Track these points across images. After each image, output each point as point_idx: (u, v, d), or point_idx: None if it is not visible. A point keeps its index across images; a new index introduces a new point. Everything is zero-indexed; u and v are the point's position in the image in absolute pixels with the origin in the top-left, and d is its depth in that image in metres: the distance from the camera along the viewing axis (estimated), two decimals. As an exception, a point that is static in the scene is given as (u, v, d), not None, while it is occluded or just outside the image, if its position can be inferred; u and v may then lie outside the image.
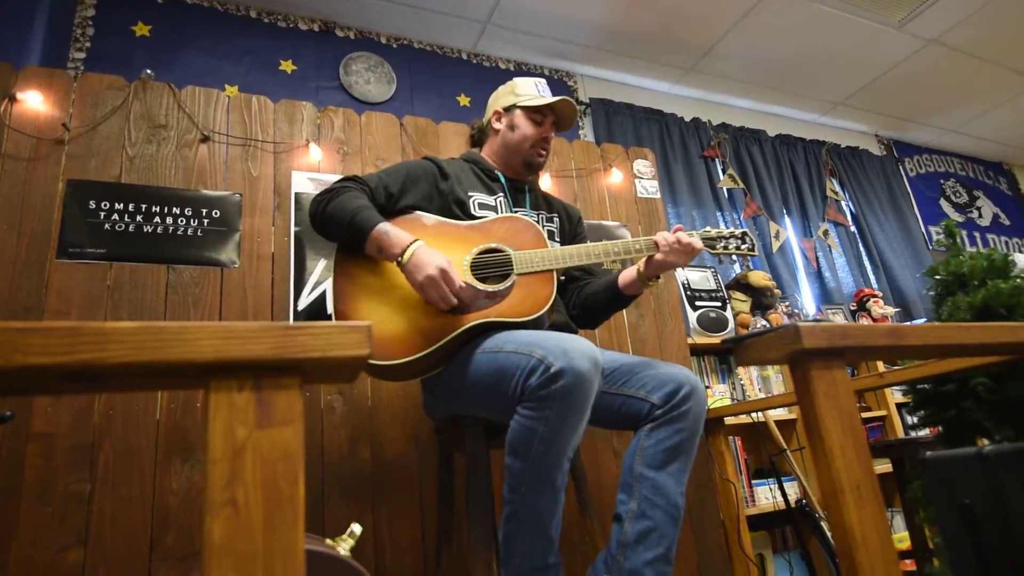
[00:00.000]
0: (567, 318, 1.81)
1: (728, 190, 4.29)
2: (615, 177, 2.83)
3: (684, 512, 1.47)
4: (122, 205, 1.99)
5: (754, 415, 2.95)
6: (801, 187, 4.64)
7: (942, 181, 5.57)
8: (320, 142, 2.33)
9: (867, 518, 0.73)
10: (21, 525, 1.62)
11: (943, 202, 5.46)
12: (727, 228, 1.85)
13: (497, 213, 1.77)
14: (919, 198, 5.31)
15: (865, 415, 3.43)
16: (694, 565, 2.28)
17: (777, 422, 3.05)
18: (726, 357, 3.32)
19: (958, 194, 5.59)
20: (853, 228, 4.80)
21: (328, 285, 2.13)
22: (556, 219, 1.94)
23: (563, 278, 1.93)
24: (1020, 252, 5.57)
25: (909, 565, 2.35)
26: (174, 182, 2.09)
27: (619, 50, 4.02)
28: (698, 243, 1.69)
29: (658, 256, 1.68)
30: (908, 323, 2.96)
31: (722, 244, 1.81)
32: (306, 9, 3.44)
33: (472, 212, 1.74)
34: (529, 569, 1.33)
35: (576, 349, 1.30)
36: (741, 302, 3.51)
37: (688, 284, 3.30)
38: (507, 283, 1.60)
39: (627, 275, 1.78)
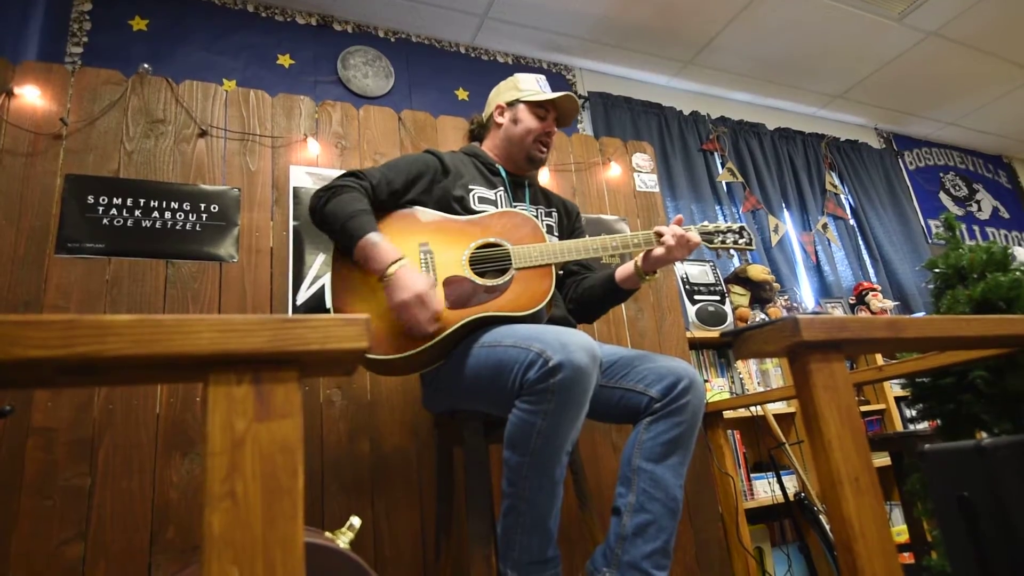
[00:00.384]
0: (565, 312, 1.81)
1: (727, 184, 4.29)
2: (614, 171, 2.83)
3: (683, 505, 1.48)
4: (120, 200, 1.99)
5: (753, 409, 2.95)
6: (800, 181, 4.63)
7: (941, 174, 5.57)
8: (318, 136, 2.33)
9: (865, 510, 0.73)
10: (21, 519, 1.62)
11: (942, 195, 5.46)
12: (725, 222, 1.84)
13: (497, 207, 1.77)
14: (918, 191, 5.31)
15: (864, 409, 3.43)
16: (692, 558, 2.29)
17: (776, 416, 3.06)
18: (725, 351, 3.33)
19: (957, 187, 5.59)
20: (852, 222, 4.80)
21: (327, 280, 2.13)
22: (555, 214, 1.94)
23: (561, 273, 1.94)
24: (1019, 245, 5.57)
25: (907, 558, 2.36)
26: (172, 177, 2.08)
27: (617, 43, 4.01)
28: (695, 237, 1.69)
29: (656, 250, 1.68)
30: (907, 316, 2.96)
31: (720, 238, 1.81)
32: (303, 3, 3.43)
33: (471, 206, 1.74)
34: (528, 562, 1.33)
35: (574, 343, 1.30)
36: (740, 296, 3.51)
37: (687, 278, 3.30)
38: (505, 277, 1.60)
39: (624, 270, 1.78)
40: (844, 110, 5.07)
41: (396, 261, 1.50)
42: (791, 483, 2.91)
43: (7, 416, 1.39)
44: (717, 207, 4.17)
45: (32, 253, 1.85)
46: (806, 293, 4.24)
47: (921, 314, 4.33)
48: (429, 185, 1.75)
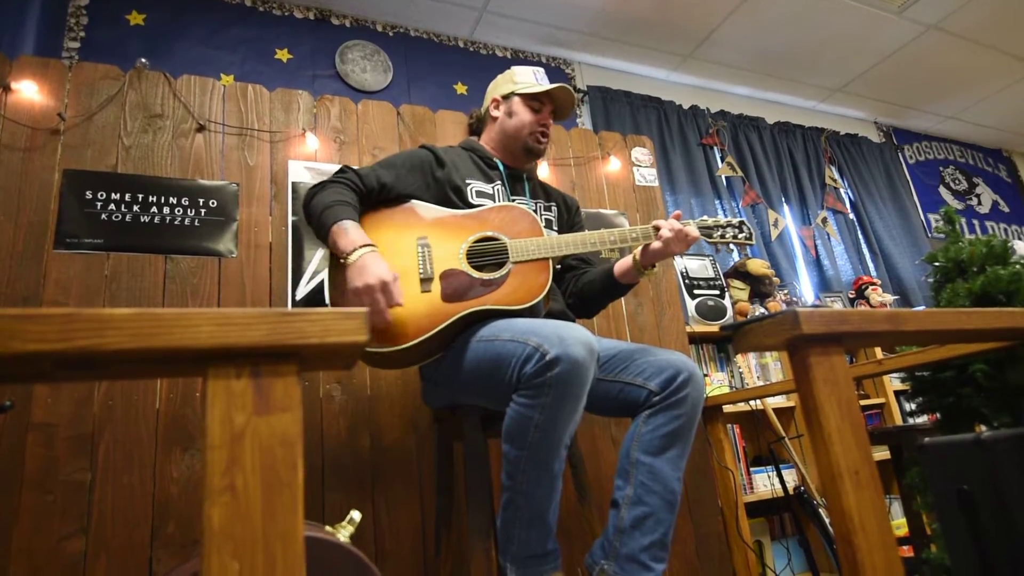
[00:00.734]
0: (563, 306, 1.81)
1: (727, 178, 4.28)
2: (613, 165, 2.82)
3: (681, 498, 1.48)
4: (119, 195, 1.98)
5: (752, 403, 2.95)
6: (800, 175, 4.62)
7: (941, 168, 5.56)
8: (316, 131, 2.32)
9: (865, 503, 0.73)
10: (22, 514, 1.62)
11: (942, 189, 5.45)
12: (725, 217, 1.84)
13: (495, 201, 1.77)
14: (918, 185, 5.30)
15: (863, 403, 3.44)
16: (692, 552, 2.30)
17: (775, 410, 3.06)
18: (724, 345, 3.33)
19: (957, 181, 5.58)
20: (852, 216, 4.79)
21: (325, 275, 2.12)
22: (554, 208, 1.93)
23: (559, 267, 1.94)
24: (1019, 239, 5.57)
25: (907, 551, 2.36)
26: (171, 172, 2.08)
27: (617, 37, 4.00)
28: (694, 231, 1.69)
29: (656, 244, 1.68)
30: (907, 309, 2.96)
31: (719, 233, 1.81)
32: (302, -3, 3.42)
33: (469, 200, 1.74)
34: (527, 556, 1.33)
35: (571, 336, 1.30)
36: (740, 290, 3.51)
37: (687, 272, 3.30)
38: (503, 271, 1.59)
39: (623, 264, 1.78)
40: (844, 104, 5.06)
41: (363, 247, 1.47)
42: (791, 477, 2.91)
43: (7, 411, 1.39)
44: (716, 201, 4.16)
45: (31, 248, 1.84)
46: (806, 287, 4.24)
47: (921, 308, 4.33)
48: (424, 179, 1.75)
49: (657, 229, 1.68)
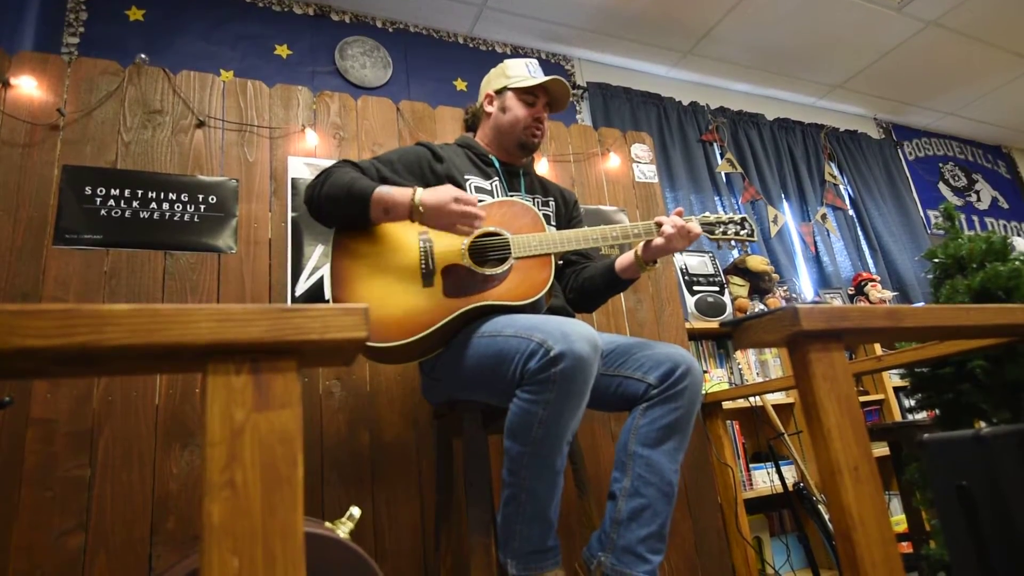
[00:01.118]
0: (564, 302, 1.81)
1: (726, 175, 4.28)
2: (612, 162, 2.82)
3: (678, 490, 1.48)
4: (118, 191, 1.98)
5: (752, 399, 2.96)
6: (799, 171, 4.62)
7: (941, 165, 5.56)
8: (316, 127, 2.32)
9: (865, 499, 0.73)
10: (22, 510, 1.62)
11: (942, 186, 5.45)
12: (726, 213, 1.84)
13: (493, 197, 1.76)
14: (918, 182, 5.30)
15: (863, 399, 3.44)
16: (692, 548, 2.30)
17: (775, 406, 3.06)
18: (724, 342, 3.33)
19: (957, 178, 5.58)
20: (851, 212, 4.79)
21: (326, 271, 2.13)
22: (552, 203, 1.93)
23: (560, 262, 1.93)
24: (1019, 235, 5.57)
25: (906, 547, 2.37)
26: (170, 167, 2.08)
27: (616, 33, 4.00)
28: (696, 228, 1.69)
29: (657, 240, 1.68)
30: (907, 305, 2.96)
31: (721, 229, 1.80)
32: (301, -7, 3.41)
33: (469, 196, 1.74)
34: (528, 551, 1.34)
35: (576, 332, 1.30)
36: (739, 287, 3.51)
37: (686, 269, 3.30)
38: (504, 267, 1.59)
39: (624, 259, 1.78)
40: (843, 100, 5.06)
41: (415, 193, 1.53)
42: (790, 473, 2.92)
43: (6, 407, 1.39)
44: (716, 198, 4.16)
45: (30, 244, 1.84)
46: (805, 284, 4.24)
47: (920, 304, 4.33)
48: (422, 174, 1.74)
49: (659, 225, 1.68)
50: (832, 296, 4.13)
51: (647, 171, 2.90)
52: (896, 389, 3.48)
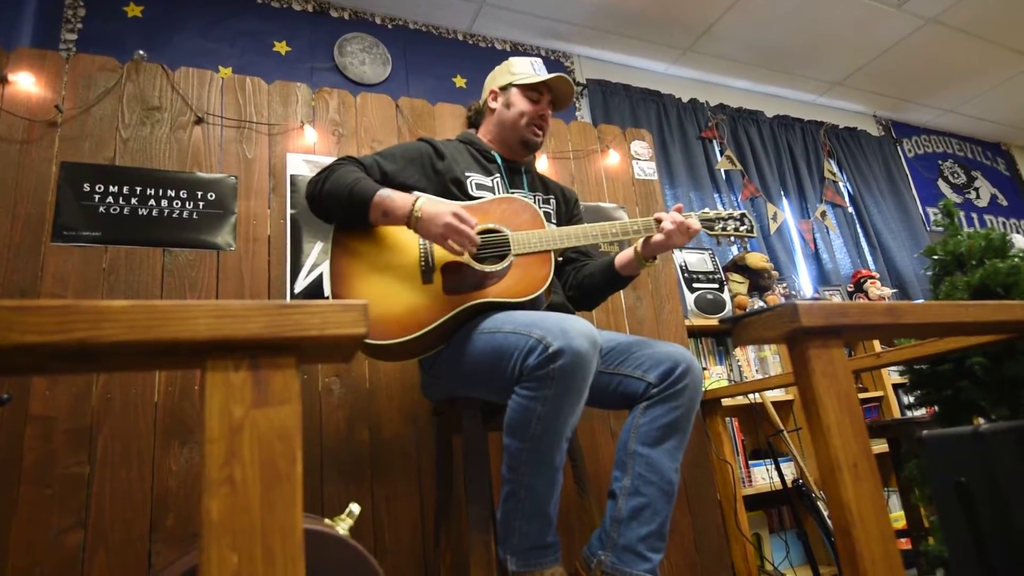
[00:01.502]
0: (564, 299, 1.81)
1: (726, 172, 4.27)
2: (612, 159, 2.82)
3: (678, 489, 1.48)
4: (116, 188, 1.98)
5: (751, 396, 2.96)
6: (799, 168, 4.62)
7: (940, 162, 5.56)
8: (315, 124, 2.31)
9: (864, 495, 0.73)
10: (20, 507, 1.62)
11: (941, 183, 5.45)
12: (726, 210, 1.84)
13: (494, 194, 1.76)
14: (917, 179, 5.30)
15: (862, 396, 3.44)
16: (691, 544, 2.30)
17: (774, 403, 3.07)
18: (724, 339, 3.33)
19: (956, 175, 5.58)
20: (851, 209, 4.79)
21: (325, 268, 2.13)
22: (552, 200, 1.93)
23: (560, 259, 1.93)
24: (1018, 232, 5.58)
25: (905, 544, 2.37)
26: (168, 164, 2.07)
27: (616, 30, 3.99)
28: (695, 224, 1.68)
29: (657, 236, 1.68)
30: (906, 302, 2.96)
31: (720, 225, 1.80)
32: (300, -11, 3.40)
33: (470, 192, 1.73)
34: (527, 548, 1.34)
35: (575, 329, 1.30)
36: (739, 284, 3.51)
37: (686, 266, 3.30)
38: (504, 263, 1.59)
39: (624, 256, 1.78)
40: (843, 97, 5.05)
41: (417, 199, 1.53)
42: (789, 470, 2.92)
43: (5, 404, 1.39)
44: (716, 195, 4.16)
45: (28, 241, 1.84)
46: (804, 281, 4.24)
47: (920, 301, 4.33)
48: (424, 171, 1.74)
49: (659, 221, 1.68)
50: (831, 293, 4.13)
51: (646, 168, 2.90)
52: (895, 386, 3.48)
